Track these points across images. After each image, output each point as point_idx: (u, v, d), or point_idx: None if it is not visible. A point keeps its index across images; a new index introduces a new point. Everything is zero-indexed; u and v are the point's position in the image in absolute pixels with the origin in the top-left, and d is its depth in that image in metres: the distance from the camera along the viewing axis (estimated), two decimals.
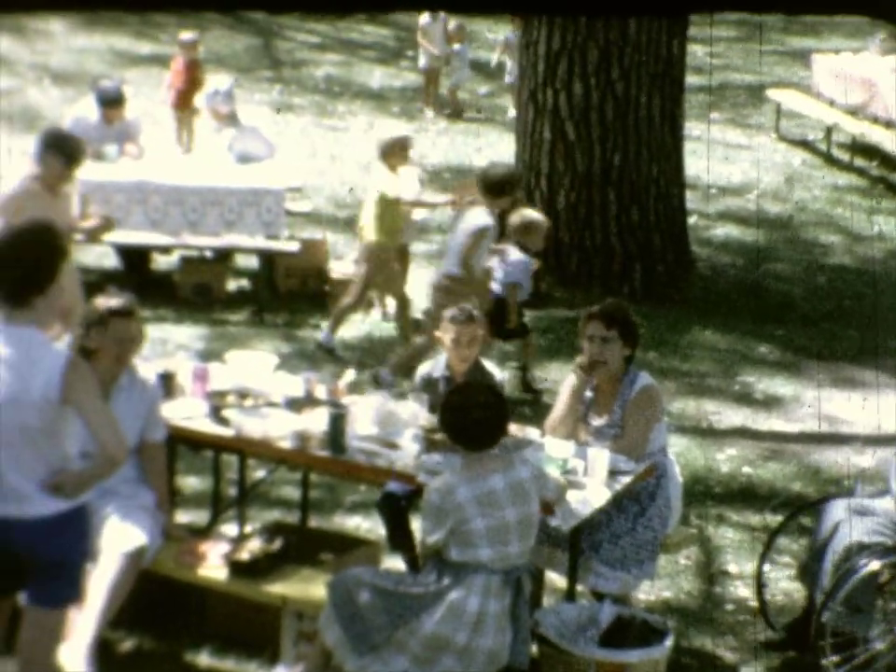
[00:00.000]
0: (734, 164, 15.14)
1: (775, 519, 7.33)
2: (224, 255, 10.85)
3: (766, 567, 6.74)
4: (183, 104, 13.24)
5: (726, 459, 8.60)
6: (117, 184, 10.33)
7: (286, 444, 6.36)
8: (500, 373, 7.08)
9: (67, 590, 5.05)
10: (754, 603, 6.74)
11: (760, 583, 6.64)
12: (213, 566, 6.16)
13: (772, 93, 16.88)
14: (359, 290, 9.72)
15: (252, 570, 6.11)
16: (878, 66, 15.47)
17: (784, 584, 7.00)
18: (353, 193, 11.12)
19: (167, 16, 19.84)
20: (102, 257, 11.02)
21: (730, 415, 9.27)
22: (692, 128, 14.24)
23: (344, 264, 10.80)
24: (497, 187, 8.94)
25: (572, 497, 5.98)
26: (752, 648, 6.54)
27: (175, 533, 6.30)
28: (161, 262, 11.15)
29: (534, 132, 11.18)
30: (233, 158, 10.73)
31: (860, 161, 15.36)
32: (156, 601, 6.19)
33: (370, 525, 7.33)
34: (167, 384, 6.56)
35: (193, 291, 10.56)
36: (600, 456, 6.16)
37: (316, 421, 6.41)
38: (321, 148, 14.74)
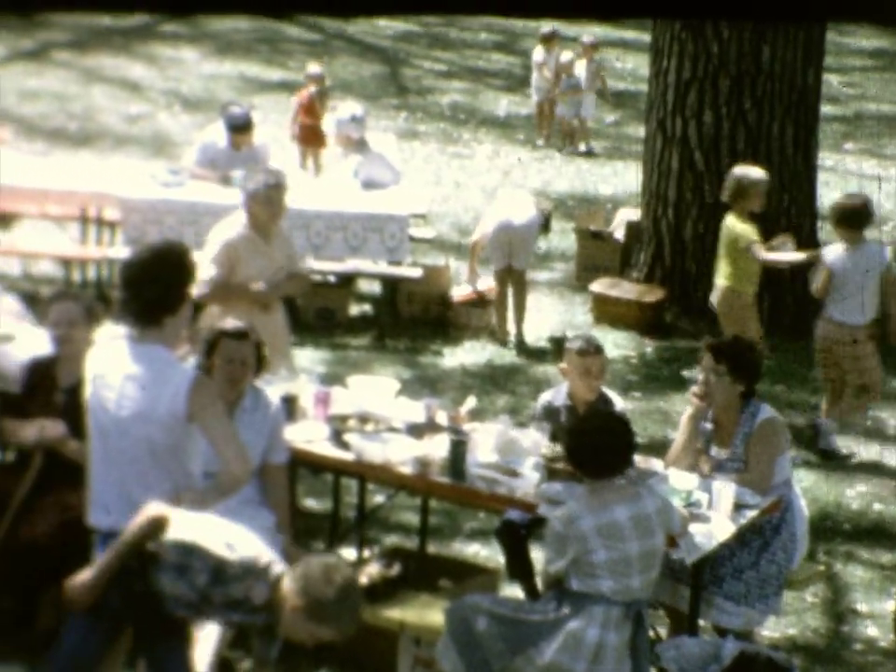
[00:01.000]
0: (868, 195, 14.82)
1: None
2: (347, 279, 10.90)
3: None
4: (307, 138, 13.37)
5: (856, 496, 8.40)
6: None
7: (406, 469, 6.34)
8: (622, 402, 7.00)
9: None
10: (884, 644, 6.55)
11: None
12: None
13: None
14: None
15: (370, 595, 6.08)
16: None
17: None
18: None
19: (295, 44, 20.09)
20: None
21: (861, 450, 9.06)
22: (825, 158, 14.00)
23: (466, 290, 10.78)
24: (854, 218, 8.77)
25: (696, 529, 5.88)
26: None
27: (295, 555, 6.29)
28: None
29: (661, 161, 11.08)
30: (359, 184, 10.77)
31: None
32: None
33: (488, 553, 7.28)
34: (290, 407, 6.59)
35: (316, 315, 10.61)
36: (726, 490, 6.06)
37: (437, 447, 6.39)
38: (446, 175, 14.77)
